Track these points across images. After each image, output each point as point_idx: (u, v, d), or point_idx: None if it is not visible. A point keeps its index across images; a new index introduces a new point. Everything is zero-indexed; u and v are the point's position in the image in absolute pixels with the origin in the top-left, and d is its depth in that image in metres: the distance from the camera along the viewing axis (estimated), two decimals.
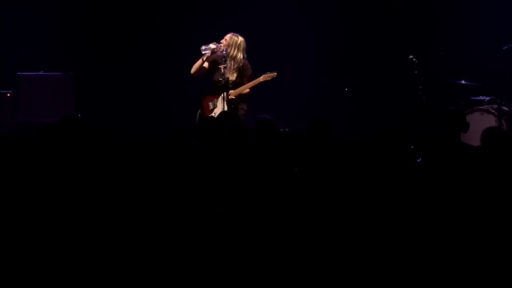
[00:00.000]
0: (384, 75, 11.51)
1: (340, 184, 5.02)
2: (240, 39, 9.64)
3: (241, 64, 9.62)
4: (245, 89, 9.58)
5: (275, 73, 9.60)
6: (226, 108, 9.43)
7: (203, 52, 9.61)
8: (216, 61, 9.63)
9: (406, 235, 4.01)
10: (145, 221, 4.42)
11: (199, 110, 9.73)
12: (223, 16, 11.39)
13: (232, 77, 9.59)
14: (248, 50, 9.70)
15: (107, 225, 4.25)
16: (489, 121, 10.06)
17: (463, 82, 10.60)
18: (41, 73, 10.88)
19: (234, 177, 5.20)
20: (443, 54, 10.90)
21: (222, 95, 9.51)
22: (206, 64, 9.67)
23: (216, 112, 9.63)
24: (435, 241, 4.01)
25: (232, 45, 9.60)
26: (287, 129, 9.29)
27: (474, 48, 11.14)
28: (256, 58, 9.78)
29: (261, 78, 9.60)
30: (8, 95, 10.68)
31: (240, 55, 9.60)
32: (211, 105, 9.73)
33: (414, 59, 10.27)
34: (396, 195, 4.49)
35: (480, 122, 9.73)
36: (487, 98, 10.49)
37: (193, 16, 11.83)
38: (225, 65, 9.50)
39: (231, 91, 9.53)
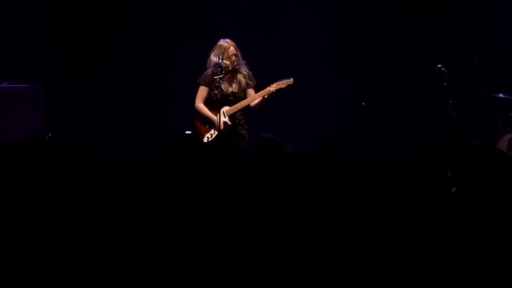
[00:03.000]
0: (407, 88, 11.61)
1: (356, 218, 4.91)
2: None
3: (243, 73, 9.39)
4: (244, 104, 9.34)
5: (291, 79, 9.27)
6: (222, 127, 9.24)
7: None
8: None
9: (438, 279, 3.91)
10: (125, 258, 4.47)
11: (193, 129, 9.50)
12: (218, 21, 11.39)
13: (233, 89, 9.39)
14: (252, 57, 9.57)
15: (77, 261, 4.31)
16: None
17: (501, 95, 10.61)
18: (5, 85, 10.87)
19: (229, 208, 5.14)
20: (478, 62, 10.93)
21: (221, 111, 9.29)
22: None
23: (213, 134, 9.44)
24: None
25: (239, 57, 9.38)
26: (297, 150, 9.17)
27: None
28: (260, 67, 9.65)
29: (273, 88, 9.27)
30: None
31: (243, 66, 9.42)
32: (207, 125, 9.48)
33: (443, 69, 10.24)
34: (428, 233, 4.40)
35: None
36: None
37: (186, 17, 11.81)
38: (221, 76, 9.27)
39: (226, 108, 9.30)
